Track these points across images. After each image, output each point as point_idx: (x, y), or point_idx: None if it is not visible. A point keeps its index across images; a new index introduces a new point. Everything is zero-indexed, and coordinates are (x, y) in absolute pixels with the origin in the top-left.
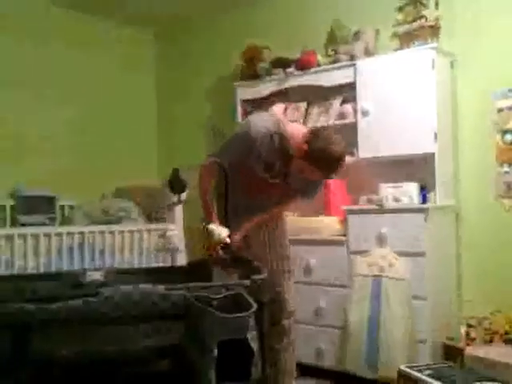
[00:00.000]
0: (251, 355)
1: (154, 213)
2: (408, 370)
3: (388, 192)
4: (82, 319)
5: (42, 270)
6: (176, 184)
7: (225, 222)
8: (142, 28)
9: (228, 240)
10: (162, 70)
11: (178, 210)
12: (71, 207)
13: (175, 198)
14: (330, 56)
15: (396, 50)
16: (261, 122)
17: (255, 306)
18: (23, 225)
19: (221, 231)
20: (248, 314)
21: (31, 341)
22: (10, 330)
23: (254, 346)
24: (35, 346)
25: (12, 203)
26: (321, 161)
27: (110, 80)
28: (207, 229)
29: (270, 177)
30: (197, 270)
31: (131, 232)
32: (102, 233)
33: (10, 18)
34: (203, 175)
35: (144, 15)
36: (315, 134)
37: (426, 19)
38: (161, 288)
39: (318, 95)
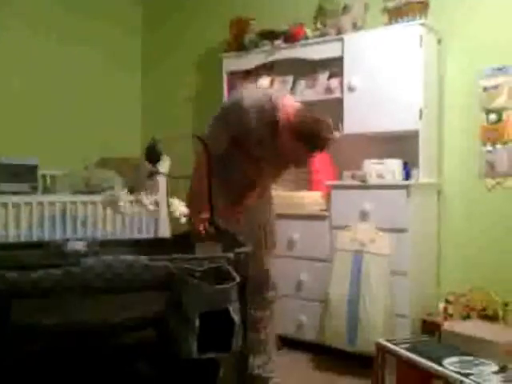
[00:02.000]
0: (232, 326)
1: (136, 184)
2: (386, 343)
3: (372, 168)
4: (64, 289)
5: (23, 239)
6: (151, 154)
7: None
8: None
9: (182, 220)
10: (147, 41)
11: (160, 181)
12: (53, 176)
13: (151, 168)
14: (318, 29)
15: (384, 25)
16: (254, 93)
17: (238, 278)
18: (4, 193)
19: (180, 209)
20: (230, 286)
21: (11, 308)
22: None
23: (236, 317)
24: (15, 314)
25: None
26: (307, 135)
27: (95, 47)
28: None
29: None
30: (180, 242)
31: (113, 203)
32: (85, 203)
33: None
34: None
35: None
36: (306, 108)
37: None
38: (143, 258)
39: (305, 69)
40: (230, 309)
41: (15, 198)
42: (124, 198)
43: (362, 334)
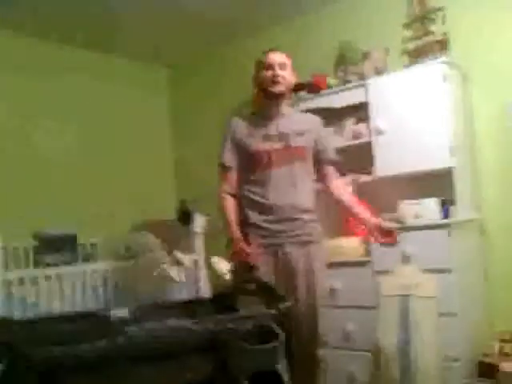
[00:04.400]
0: None
1: (174, 245)
2: None
3: (408, 209)
4: (110, 360)
5: (67, 309)
6: (183, 215)
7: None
8: (154, 64)
9: (227, 277)
10: (175, 100)
11: (196, 240)
12: (93, 245)
13: (183, 229)
14: (340, 78)
15: (406, 66)
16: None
17: (283, 335)
18: (47, 265)
19: (221, 266)
20: (276, 344)
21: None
22: (37, 374)
23: (285, 376)
24: None
25: (35, 243)
26: None
27: (125, 113)
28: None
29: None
30: (221, 302)
31: (152, 266)
32: (126, 269)
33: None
34: (220, 192)
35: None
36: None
37: (434, 34)
38: (187, 322)
39: (330, 117)
40: (278, 367)
41: (58, 270)
42: (162, 260)
43: (416, 382)
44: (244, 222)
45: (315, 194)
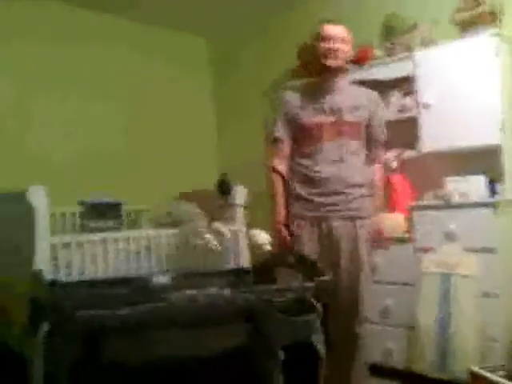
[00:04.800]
0: (318, 359)
1: (215, 216)
2: (480, 370)
3: (454, 186)
4: (150, 325)
5: (111, 274)
6: (222, 186)
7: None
8: (195, 35)
9: (267, 248)
10: (217, 74)
11: (236, 212)
12: (137, 212)
13: (223, 200)
14: (386, 50)
15: (455, 38)
16: None
17: (320, 308)
18: (92, 231)
19: (261, 237)
20: (313, 317)
21: (101, 347)
22: (80, 337)
23: (320, 349)
24: (105, 353)
25: (81, 210)
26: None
27: (167, 85)
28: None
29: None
30: (260, 273)
31: (195, 235)
32: (168, 236)
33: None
34: (270, 166)
35: (197, 23)
36: None
37: (486, 5)
38: (226, 292)
39: (375, 90)
40: (314, 340)
41: (102, 235)
42: (202, 229)
43: (454, 360)
44: (291, 195)
45: (368, 169)
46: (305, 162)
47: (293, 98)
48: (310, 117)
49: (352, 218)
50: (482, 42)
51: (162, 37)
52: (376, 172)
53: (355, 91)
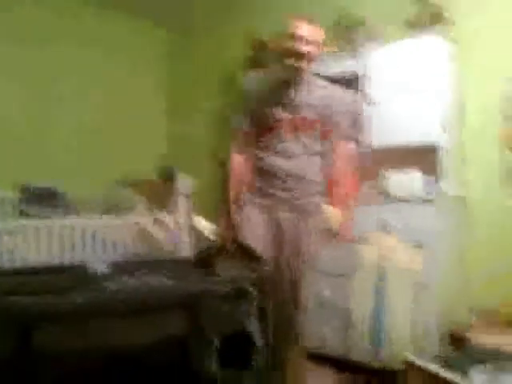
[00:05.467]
0: (253, 345)
1: (159, 205)
2: (414, 358)
3: (393, 180)
4: (86, 313)
5: (45, 262)
6: (165, 173)
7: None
8: (153, 24)
9: (210, 237)
10: (171, 63)
11: (180, 201)
12: (77, 199)
13: (167, 189)
14: (335, 46)
15: (402, 38)
16: None
17: (257, 297)
18: (30, 216)
19: (204, 226)
20: (249, 306)
21: (34, 336)
22: (13, 324)
23: (257, 337)
24: (38, 342)
25: (21, 195)
26: None
27: (119, 72)
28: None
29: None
30: (202, 262)
31: (137, 224)
32: (108, 225)
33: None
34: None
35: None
36: None
37: (433, 6)
38: (165, 280)
39: None
40: (250, 329)
41: (40, 222)
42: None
43: (389, 351)
44: (244, 184)
45: (324, 165)
46: (262, 154)
47: (253, 90)
48: (270, 110)
49: (302, 212)
50: (429, 41)
51: (119, 24)
52: (335, 164)
53: (319, 88)
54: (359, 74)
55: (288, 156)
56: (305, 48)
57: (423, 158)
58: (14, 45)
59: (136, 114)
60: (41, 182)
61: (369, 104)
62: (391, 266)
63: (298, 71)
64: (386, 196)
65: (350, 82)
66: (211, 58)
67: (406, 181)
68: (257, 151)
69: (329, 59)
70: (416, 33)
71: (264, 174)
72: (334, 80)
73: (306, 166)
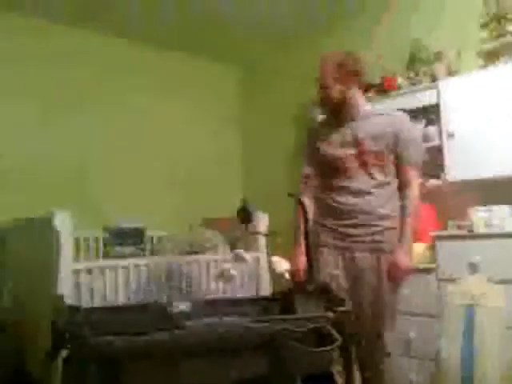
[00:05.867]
0: None
1: (236, 243)
2: None
3: (479, 216)
4: (169, 352)
5: (131, 301)
6: (243, 213)
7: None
8: (226, 65)
9: (286, 276)
10: (244, 99)
11: (258, 239)
12: (160, 238)
13: (244, 228)
14: (411, 78)
15: (480, 68)
16: None
17: (339, 338)
18: (115, 256)
19: (281, 265)
20: (331, 348)
21: (119, 374)
22: (98, 363)
23: (339, 379)
24: (123, 380)
25: (105, 235)
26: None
27: (195, 114)
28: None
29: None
30: (281, 300)
31: (216, 261)
32: (189, 263)
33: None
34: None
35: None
36: None
37: (510, 35)
38: (245, 320)
39: None
40: (333, 371)
41: (124, 261)
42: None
43: None
44: (317, 225)
45: (396, 199)
46: (330, 194)
47: (316, 133)
48: (332, 150)
49: (377, 250)
50: (507, 70)
51: (189, 64)
52: (407, 198)
53: (377, 118)
54: (439, 106)
55: (357, 192)
56: (324, 90)
57: (510, 190)
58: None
59: (216, 158)
60: (126, 221)
61: (448, 136)
62: (480, 306)
63: (336, 110)
64: (473, 232)
65: (430, 115)
66: (286, 96)
67: (493, 216)
68: (325, 191)
69: (403, 92)
70: (495, 63)
71: (334, 212)
72: (413, 113)
73: (376, 201)
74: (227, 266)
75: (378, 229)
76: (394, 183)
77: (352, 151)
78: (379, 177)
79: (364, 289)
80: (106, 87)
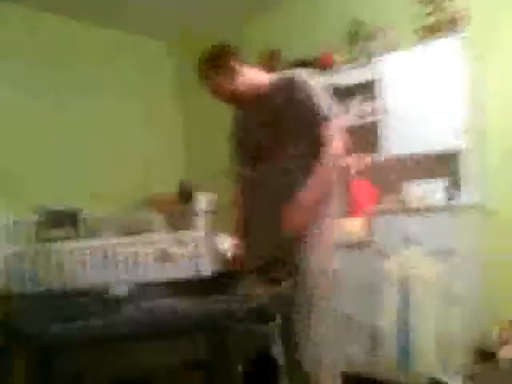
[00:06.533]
0: (278, 370)
1: (178, 222)
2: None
3: (413, 190)
4: (106, 338)
5: (67, 285)
6: (183, 194)
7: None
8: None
9: (228, 254)
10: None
11: (198, 219)
12: (94, 220)
13: (185, 207)
14: (348, 55)
15: (417, 44)
16: None
17: (279, 318)
18: (48, 240)
19: (223, 242)
20: (271, 327)
21: (53, 360)
22: (34, 350)
23: (280, 359)
24: (59, 366)
25: (37, 219)
26: None
27: (134, 91)
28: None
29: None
30: (222, 281)
31: (153, 243)
32: (125, 245)
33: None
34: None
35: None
36: None
37: (447, 11)
38: (183, 303)
39: (337, 96)
40: (273, 350)
41: (57, 245)
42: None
43: (415, 365)
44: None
45: None
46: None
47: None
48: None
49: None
50: (443, 47)
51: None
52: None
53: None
54: (375, 83)
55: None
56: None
57: (444, 166)
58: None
59: (154, 135)
60: (58, 204)
61: (385, 112)
62: (415, 279)
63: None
64: (408, 207)
65: (366, 91)
66: None
67: (427, 190)
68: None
69: (344, 69)
70: (431, 39)
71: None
72: (349, 90)
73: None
74: (165, 246)
75: None
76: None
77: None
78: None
79: None
80: None
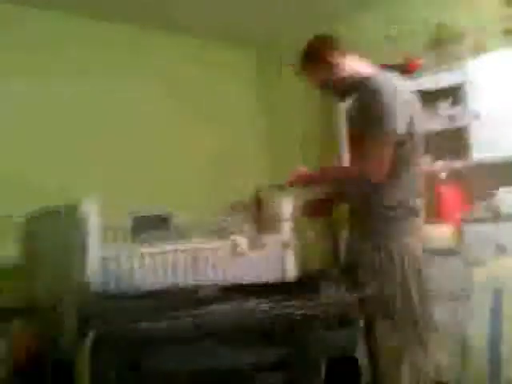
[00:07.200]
0: (360, 374)
1: (263, 227)
2: None
3: (505, 197)
4: (191, 337)
5: (159, 285)
6: (257, 202)
7: None
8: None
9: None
10: (262, 86)
11: (280, 224)
12: (185, 224)
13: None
14: (435, 59)
15: (505, 46)
16: None
17: (362, 323)
18: (142, 243)
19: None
20: (354, 331)
21: (143, 357)
22: (122, 348)
23: (363, 362)
24: (148, 362)
25: (131, 222)
26: None
27: (218, 97)
28: None
29: None
30: (305, 284)
31: (239, 246)
32: (213, 248)
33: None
34: None
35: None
36: None
37: None
38: (268, 305)
39: (425, 100)
40: (356, 354)
41: (150, 248)
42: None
43: (506, 379)
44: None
45: None
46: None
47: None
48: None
49: None
50: None
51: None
52: None
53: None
54: (461, 87)
55: None
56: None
57: None
58: None
59: (239, 145)
60: (151, 209)
61: (474, 117)
62: (507, 289)
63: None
64: (499, 214)
65: (452, 96)
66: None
67: None
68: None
69: (428, 73)
70: None
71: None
72: (437, 93)
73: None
74: (251, 249)
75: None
76: None
77: None
78: None
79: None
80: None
